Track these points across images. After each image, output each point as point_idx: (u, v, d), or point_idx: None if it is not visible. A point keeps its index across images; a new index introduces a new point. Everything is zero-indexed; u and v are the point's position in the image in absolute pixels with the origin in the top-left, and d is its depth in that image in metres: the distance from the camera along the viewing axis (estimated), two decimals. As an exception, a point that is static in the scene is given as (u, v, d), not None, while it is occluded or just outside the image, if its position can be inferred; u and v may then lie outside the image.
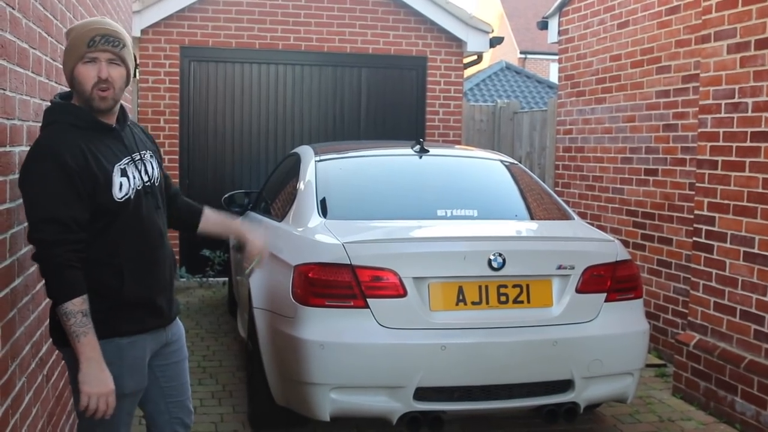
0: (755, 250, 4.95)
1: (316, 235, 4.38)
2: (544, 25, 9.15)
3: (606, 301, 4.37)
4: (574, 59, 8.29)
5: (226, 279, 8.55)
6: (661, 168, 6.71)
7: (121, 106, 2.89)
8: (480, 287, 4.17)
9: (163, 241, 2.94)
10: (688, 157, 6.34)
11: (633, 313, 4.50)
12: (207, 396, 5.46)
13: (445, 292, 4.13)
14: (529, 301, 4.24)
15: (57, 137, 2.65)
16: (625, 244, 6.93)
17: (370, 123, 9.82)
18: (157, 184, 2.95)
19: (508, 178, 5.44)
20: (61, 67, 3.75)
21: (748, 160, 5.02)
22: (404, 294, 4.05)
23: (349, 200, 4.88)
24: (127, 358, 2.78)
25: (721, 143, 5.25)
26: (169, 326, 3.01)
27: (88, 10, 4.58)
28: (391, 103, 9.86)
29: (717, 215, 5.29)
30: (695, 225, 5.54)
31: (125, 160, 2.79)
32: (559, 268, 4.28)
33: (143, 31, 9.00)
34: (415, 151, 5.28)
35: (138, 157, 2.87)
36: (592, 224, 6.95)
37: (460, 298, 4.14)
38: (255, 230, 3.41)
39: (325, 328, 4.02)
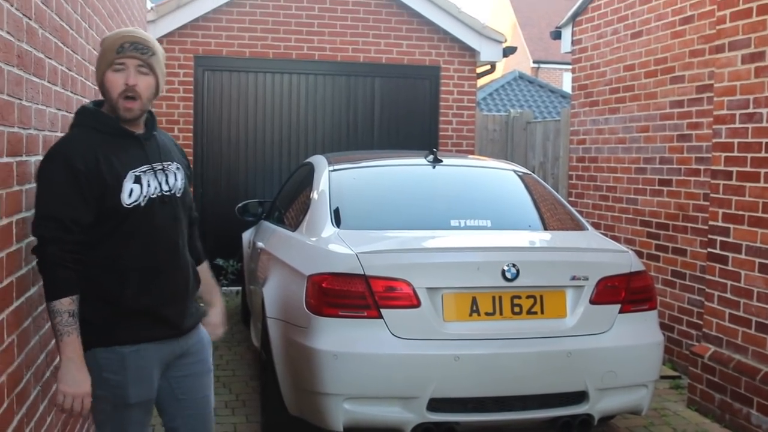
0: (771, 262, 4.93)
1: (330, 245, 4.38)
2: (557, 35, 9.15)
3: (620, 312, 4.35)
4: (587, 69, 8.28)
5: (240, 288, 8.55)
6: (675, 178, 6.69)
7: (152, 115, 2.93)
8: (494, 298, 4.16)
9: (177, 252, 2.92)
10: (702, 167, 6.32)
11: (647, 325, 4.48)
12: (220, 405, 5.45)
13: (459, 302, 4.12)
14: (542, 312, 4.22)
15: (73, 139, 2.72)
16: (639, 254, 6.90)
17: (383, 133, 9.83)
18: (178, 196, 2.94)
19: (522, 189, 5.43)
20: (77, 77, 3.79)
21: (763, 170, 4.99)
22: (418, 304, 4.04)
23: (363, 210, 4.88)
24: (130, 368, 2.76)
25: (735, 154, 5.23)
26: (184, 337, 2.98)
27: (104, 20, 4.61)
28: (404, 112, 9.87)
29: (732, 226, 5.26)
30: (710, 236, 5.51)
31: (142, 168, 2.81)
32: (573, 279, 4.27)
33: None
34: (429, 161, 5.27)
35: (160, 166, 2.87)
36: (606, 235, 6.93)
37: (474, 308, 4.13)
38: (217, 308, 3.41)
39: (338, 339, 4.01)
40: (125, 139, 2.80)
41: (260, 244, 5.78)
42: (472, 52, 9.89)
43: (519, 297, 4.19)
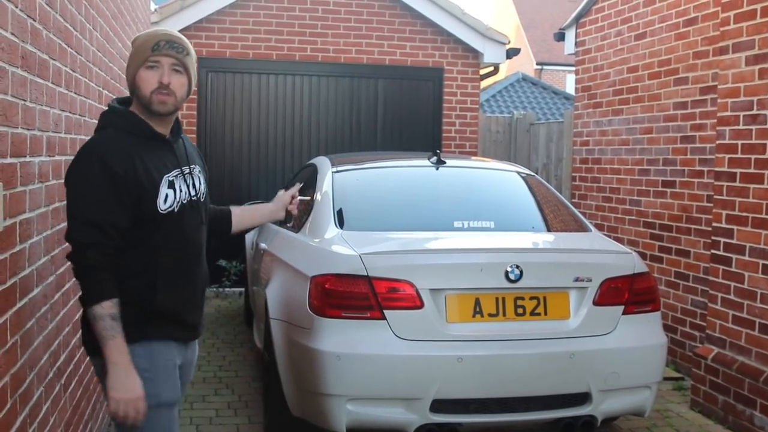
0: (774, 263, 4.92)
1: (333, 246, 4.38)
2: (560, 37, 9.14)
3: (623, 313, 4.34)
4: (590, 71, 8.27)
5: (243, 289, 8.56)
6: (678, 180, 6.68)
7: (176, 118, 2.88)
8: (497, 299, 4.16)
9: (201, 258, 2.92)
10: (705, 169, 6.31)
11: (651, 326, 4.48)
12: (223, 406, 5.46)
13: (462, 303, 4.12)
14: (546, 314, 4.22)
15: (109, 142, 2.65)
16: (643, 256, 6.89)
17: (386, 134, 9.82)
18: (202, 200, 2.92)
19: (525, 190, 5.43)
20: (81, 78, 3.79)
21: (766, 172, 4.99)
22: (421, 306, 4.04)
23: (366, 211, 4.88)
24: (159, 363, 2.71)
25: (739, 155, 5.22)
26: (191, 344, 2.97)
27: (107, 22, 4.62)
28: (407, 114, 9.86)
29: (735, 228, 5.26)
30: (713, 237, 5.50)
31: (174, 172, 2.78)
32: (577, 280, 4.27)
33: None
34: (432, 163, 5.27)
35: (188, 170, 2.85)
36: (609, 236, 6.92)
37: (477, 310, 4.13)
38: (278, 198, 3.50)
39: (341, 340, 4.01)
40: (157, 143, 2.76)
41: (263, 245, 5.78)
42: (476, 54, 9.88)
43: (522, 298, 4.19)
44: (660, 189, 6.95)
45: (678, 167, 6.69)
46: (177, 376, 2.80)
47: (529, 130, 11.26)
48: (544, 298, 4.22)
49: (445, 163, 5.29)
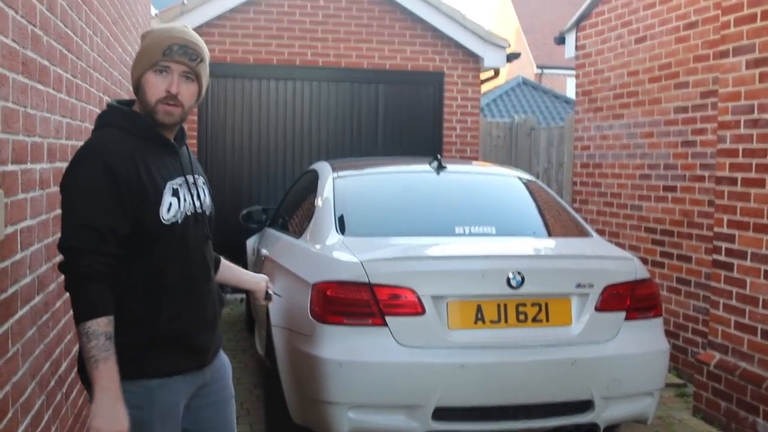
0: (777, 269, 4.91)
1: (334, 252, 4.37)
2: (561, 41, 9.14)
3: (625, 319, 4.33)
4: (591, 74, 8.27)
5: (244, 296, 8.55)
6: (679, 185, 6.67)
7: (182, 126, 2.66)
8: (499, 306, 4.15)
9: (208, 274, 2.65)
10: (707, 173, 6.30)
11: (653, 332, 4.46)
12: (224, 413, 5.43)
13: (464, 310, 4.11)
14: (548, 320, 4.21)
15: (110, 141, 2.40)
16: (644, 261, 6.88)
17: (387, 139, 9.82)
18: (208, 213, 2.67)
19: (526, 195, 5.42)
20: (82, 84, 3.78)
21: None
22: (423, 312, 4.03)
23: (367, 217, 4.87)
24: (157, 403, 2.43)
25: (740, 160, 5.21)
26: (208, 367, 2.65)
27: (108, 27, 4.61)
28: (408, 118, 9.86)
29: (737, 233, 5.25)
30: (715, 243, 5.49)
31: (179, 180, 2.53)
32: (578, 286, 4.25)
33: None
34: (433, 168, 5.26)
35: (192, 180, 2.60)
36: (611, 241, 6.91)
37: (479, 316, 4.12)
38: (255, 276, 3.20)
39: (343, 347, 4.00)
40: (160, 146, 2.51)
41: (264, 252, 5.77)
42: (476, 58, 9.88)
43: (524, 305, 4.18)
44: (661, 194, 6.94)
45: (679, 172, 6.68)
46: (179, 415, 2.53)
47: (530, 135, 11.26)
48: (546, 305, 4.21)
49: (445, 168, 5.28)
